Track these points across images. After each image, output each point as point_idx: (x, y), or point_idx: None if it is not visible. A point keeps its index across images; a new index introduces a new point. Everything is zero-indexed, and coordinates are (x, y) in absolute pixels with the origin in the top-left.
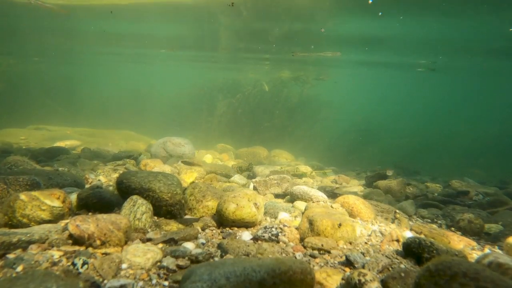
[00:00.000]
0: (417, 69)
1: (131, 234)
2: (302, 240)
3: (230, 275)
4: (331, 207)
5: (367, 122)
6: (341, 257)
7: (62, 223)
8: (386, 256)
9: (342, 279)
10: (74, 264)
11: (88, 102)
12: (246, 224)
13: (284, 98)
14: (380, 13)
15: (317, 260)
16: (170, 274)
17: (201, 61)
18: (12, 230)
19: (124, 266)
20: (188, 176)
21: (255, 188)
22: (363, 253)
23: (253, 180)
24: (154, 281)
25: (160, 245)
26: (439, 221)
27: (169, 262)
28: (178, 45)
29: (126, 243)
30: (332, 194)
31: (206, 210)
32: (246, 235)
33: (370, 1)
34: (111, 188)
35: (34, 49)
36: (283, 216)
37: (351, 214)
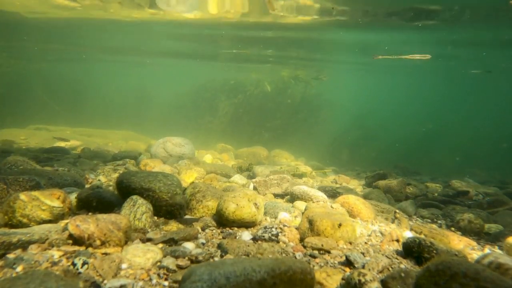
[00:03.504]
0: (471, 71)
1: (131, 234)
2: (302, 240)
3: (230, 275)
4: (331, 207)
5: (367, 121)
6: (341, 257)
7: (62, 223)
8: (386, 256)
9: (342, 279)
10: (74, 264)
11: (88, 102)
12: (246, 224)
13: (286, 98)
14: None
15: (317, 260)
16: (170, 274)
17: (202, 60)
18: (12, 230)
19: (124, 266)
20: (188, 176)
21: (255, 188)
22: (363, 253)
23: (253, 180)
24: (154, 281)
25: (160, 245)
26: (439, 221)
27: (169, 262)
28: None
29: (126, 243)
30: (332, 194)
31: (206, 210)
32: (246, 235)
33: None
34: (111, 188)
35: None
36: (283, 216)
37: (351, 214)
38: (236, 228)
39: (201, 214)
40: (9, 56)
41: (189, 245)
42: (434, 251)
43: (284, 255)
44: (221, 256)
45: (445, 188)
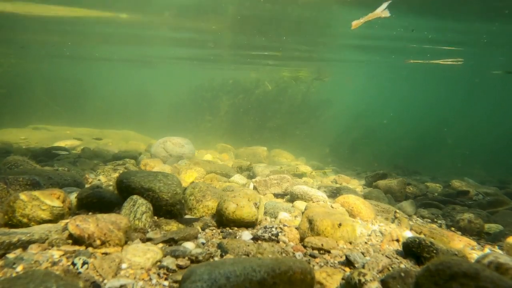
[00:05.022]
0: (493, 71)
1: (131, 234)
2: (302, 240)
3: (230, 275)
4: (331, 207)
5: (367, 121)
6: (341, 257)
7: (62, 223)
8: (386, 256)
9: (342, 279)
10: (74, 264)
11: (88, 102)
12: (246, 224)
13: (288, 98)
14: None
15: (317, 260)
16: (170, 274)
17: (203, 61)
18: (12, 230)
19: (124, 266)
20: (188, 176)
21: (255, 188)
22: (363, 253)
23: (253, 180)
24: (154, 281)
25: (160, 245)
26: (439, 221)
27: (169, 262)
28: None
29: (126, 243)
30: (332, 194)
31: (206, 210)
32: (246, 235)
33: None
34: (111, 188)
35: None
36: (283, 216)
37: (351, 214)
38: (236, 228)
39: (201, 214)
40: (16, 57)
41: (189, 245)
42: (434, 251)
43: (284, 255)
44: (221, 256)
45: (445, 188)
